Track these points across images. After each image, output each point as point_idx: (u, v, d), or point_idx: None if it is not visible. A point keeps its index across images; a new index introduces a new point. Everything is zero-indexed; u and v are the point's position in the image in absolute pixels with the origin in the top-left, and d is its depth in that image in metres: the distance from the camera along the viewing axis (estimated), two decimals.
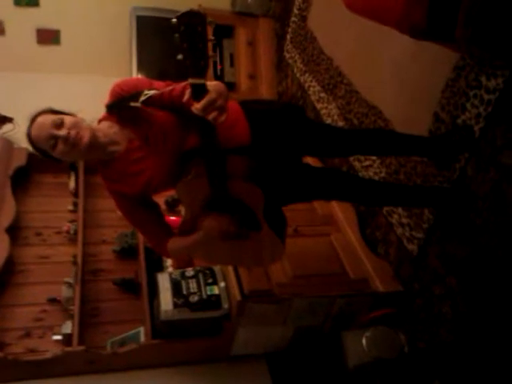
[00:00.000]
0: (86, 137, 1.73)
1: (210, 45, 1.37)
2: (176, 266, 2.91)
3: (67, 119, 1.74)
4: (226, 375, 2.73)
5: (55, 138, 1.71)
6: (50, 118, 1.75)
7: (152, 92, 1.72)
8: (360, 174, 3.03)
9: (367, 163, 2.98)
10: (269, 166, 1.99)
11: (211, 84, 1.47)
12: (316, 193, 2.24)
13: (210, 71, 3.96)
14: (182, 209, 3.20)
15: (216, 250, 2.00)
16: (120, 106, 1.80)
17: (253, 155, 1.91)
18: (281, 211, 2.11)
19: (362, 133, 2.57)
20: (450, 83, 2.37)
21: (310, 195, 2.29)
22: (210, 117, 1.47)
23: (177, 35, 1.31)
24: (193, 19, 1.30)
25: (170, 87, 1.76)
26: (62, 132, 1.71)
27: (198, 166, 1.78)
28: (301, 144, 2.11)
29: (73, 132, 1.71)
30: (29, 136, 1.78)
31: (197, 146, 1.72)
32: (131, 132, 1.84)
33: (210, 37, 1.37)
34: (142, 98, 1.72)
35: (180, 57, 1.34)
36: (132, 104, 1.74)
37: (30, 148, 1.83)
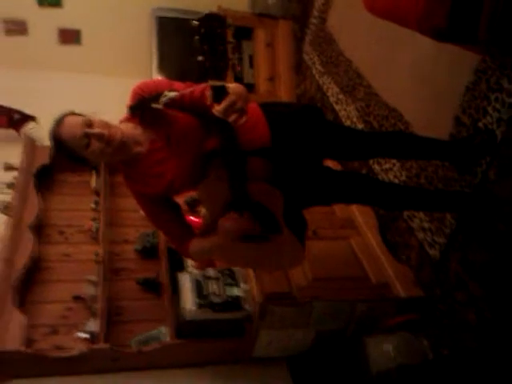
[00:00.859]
0: (118, 134, 1.78)
1: (229, 47, 1.39)
2: (197, 267, 2.94)
3: (96, 119, 1.78)
4: (247, 377, 2.76)
5: (89, 136, 1.74)
6: (79, 118, 1.77)
7: (173, 93, 1.73)
8: (380, 177, 3.04)
9: (387, 166, 2.99)
10: (289, 168, 2.00)
11: (231, 86, 1.49)
12: (336, 196, 2.25)
13: (230, 73, 4.00)
14: (201, 209, 3.23)
15: (236, 252, 1.99)
16: (142, 107, 1.83)
17: (273, 157, 1.92)
18: (301, 214, 2.12)
19: (382, 135, 2.58)
20: (470, 86, 2.38)
21: (330, 198, 2.29)
22: (231, 119, 1.48)
23: (197, 37, 1.34)
24: (213, 22, 1.33)
25: (191, 89, 1.77)
26: (96, 130, 1.74)
27: (219, 167, 1.79)
28: (321, 146, 2.12)
29: (105, 130, 1.75)
30: (58, 136, 1.78)
31: (217, 148, 1.74)
32: (153, 133, 1.86)
33: (230, 39, 1.40)
34: (163, 100, 1.73)
35: (200, 58, 1.37)
36: (153, 105, 1.76)
37: (55, 149, 1.84)
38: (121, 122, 1.92)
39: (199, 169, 1.87)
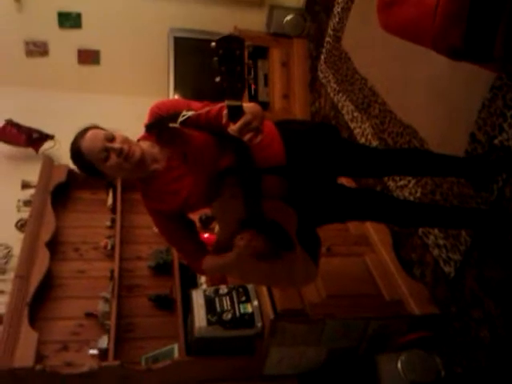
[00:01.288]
0: (137, 151, 1.80)
1: (246, 68, 1.40)
2: (210, 283, 2.93)
3: (118, 134, 1.81)
4: None
5: (108, 150, 1.77)
6: (102, 132, 1.81)
7: (190, 113, 1.76)
8: (395, 194, 3.02)
9: (402, 183, 2.96)
10: (303, 186, 2.01)
11: (247, 106, 1.51)
12: (350, 213, 2.24)
13: (245, 91, 4.00)
14: (215, 226, 3.23)
15: (249, 269, 2.01)
16: (159, 126, 1.86)
17: (288, 175, 1.92)
18: (315, 231, 2.11)
19: (397, 153, 2.56)
20: (486, 103, 2.36)
21: (345, 216, 2.28)
22: (246, 138, 1.49)
23: (215, 58, 1.35)
24: (232, 43, 1.34)
25: (207, 108, 1.79)
26: (116, 145, 1.77)
27: (234, 185, 1.80)
28: (335, 164, 2.12)
29: (126, 146, 1.77)
30: (78, 149, 1.80)
31: (233, 166, 1.75)
32: (170, 151, 1.89)
33: (247, 60, 1.41)
34: (180, 119, 1.76)
35: (218, 79, 1.38)
36: (171, 125, 1.79)
37: (73, 164, 1.87)
38: (138, 140, 1.95)
39: (214, 186, 1.89)
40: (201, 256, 2.02)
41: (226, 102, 1.44)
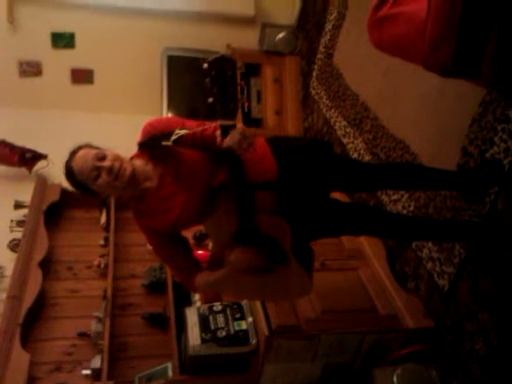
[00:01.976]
0: (128, 169, 1.80)
1: (239, 88, 1.42)
2: (204, 301, 2.90)
3: (109, 153, 1.81)
4: None
5: (99, 169, 1.77)
6: (93, 151, 1.81)
7: (183, 132, 1.77)
8: (388, 208, 3.02)
9: (395, 197, 2.97)
10: (296, 201, 2.01)
11: (240, 126, 1.54)
12: (344, 228, 2.24)
13: (238, 111, 4.01)
14: (209, 243, 3.22)
15: (243, 284, 1.99)
16: (152, 144, 1.86)
17: (280, 191, 1.92)
18: (308, 246, 2.11)
19: (389, 167, 2.56)
20: (477, 117, 2.38)
21: (338, 230, 2.29)
22: (238, 147, 1.54)
23: (208, 79, 1.36)
24: (224, 65, 1.36)
25: (202, 127, 1.80)
26: (106, 163, 1.77)
27: (226, 201, 1.81)
28: (328, 179, 2.13)
29: (116, 164, 1.78)
30: (70, 169, 1.82)
31: (225, 182, 1.76)
32: (162, 169, 1.89)
33: (239, 81, 1.43)
34: (173, 138, 1.77)
35: (210, 100, 1.40)
36: (164, 143, 1.80)
37: (66, 183, 1.88)
38: (132, 158, 1.95)
39: (207, 203, 1.90)
40: (194, 273, 2.01)
41: (219, 123, 1.46)
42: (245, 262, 1.87)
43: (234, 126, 1.49)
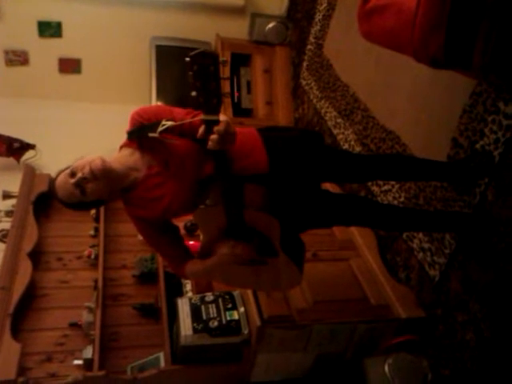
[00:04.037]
0: (97, 162, 1.81)
1: (224, 83, 1.42)
2: (196, 291, 2.91)
3: (75, 166, 1.83)
4: None
5: (77, 184, 1.79)
6: (63, 174, 1.85)
7: (170, 123, 1.77)
8: (379, 199, 3.04)
9: (386, 188, 2.98)
10: (287, 192, 2.02)
11: (223, 120, 1.54)
12: (335, 219, 2.26)
13: (221, 106, 3.98)
14: (200, 233, 3.22)
15: (233, 273, 2.04)
16: (139, 134, 1.86)
17: (271, 182, 1.94)
18: (299, 237, 2.13)
19: (380, 158, 2.58)
20: (467, 109, 2.40)
21: (329, 221, 2.30)
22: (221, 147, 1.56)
23: (190, 73, 1.36)
24: (205, 60, 1.35)
25: (189, 119, 1.81)
26: (80, 174, 1.79)
27: (215, 193, 1.82)
28: (319, 170, 2.13)
29: (86, 168, 1.80)
30: (61, 200, 1.87)
31: (213, 174, 1.77)
32: (151, 158, 1.89)
33: (225, 75, 1.43)
34: (160, 129, 1.77)
35: (194, 94, 1.40)
36: (150, 134, 1.79)
37: (54, 173, 1.92)
38: (121, 146, 1.96)
39: (197, 193, 1.90)
40: (185, 261, 2.04)
41: (203, 117, 1.47)
42: (230, 254, 1.91)
43: (217, 121, 1.50)
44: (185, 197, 1.90)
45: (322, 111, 3.93)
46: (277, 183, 1.96)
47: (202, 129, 1.53)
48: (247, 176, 1.88)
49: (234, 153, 1.75)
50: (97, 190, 1.82)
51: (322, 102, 3.95)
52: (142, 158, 1.90)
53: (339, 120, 3.65)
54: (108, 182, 1.83)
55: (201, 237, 3.11)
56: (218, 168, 1.66)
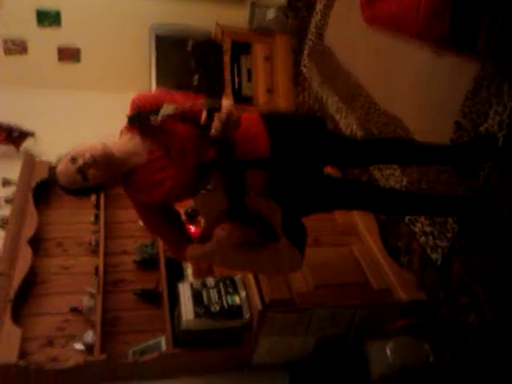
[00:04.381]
0: (98, 148, 1.82)
1: (226, 70, 1.43)
2: (197, 275, 2.90)
3: (75, 152, 1.82)
4: (249, 383, 2.70)
5: (79, 170, 1.79)
6: (64, 161, 1.84)
7: (171, 108, 1.74)
8: (381, 183, 3.02)
9: (388, 172, 2.97)
10: (289, 177, 2.02)
11: (224, 105, 1.55)
12: (337, 203, 2.25)
13: (228, 88, 4.00)
14: (202, 219, 3.21)
15: (233, 257, 2.05)
16: (140, 119, 1.84)
17: (273, 167, 1.94)
18: (300, 222, 2.12)
19: (382, 142, 2.57)
20: (471, 91, 2.38)
21: (331, 205, 2.30)
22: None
23: (193, 61, 1.36)
24: (208, 48, 1.35)
25: (189, 104, 1.78)
26: (80, 160, 1.79)
27: (217, 179, 1.82)
28: (321, 155, 2.13)
29: (87, 154, 1.79)
30: (63, 188, 1.87)
31: (215, 160, 1.77)
32: (152, 143, 1.89)
33: (227, 63, 1.44)
34: (161, 114, 1.74)
35: (196, 80, 1.40)
36: (152, 119, 1.77)
37: (54, 160, 1.93)
38: (121, 132, 1.96)
39: (198, 178, 1.90)
40: (185, 245, 2.04)
41: (205, 104, 1.47)
42: (232, 237, 1.90)
43: (219, 108, 1.49)
44: (186, 181, 1.89)
45: (324, 98, 3.91)
46: (279, 167, 1.97)
47: (204, 115, 1.53)
48: (249, 160, 1.88)
49: (237, 137, 1.75)
50: (98, 176, 1.82)
51: (324, 88, 3.93)
52: (143, 143, 1.89)
53: (341, 106, 3.63)
54: (109, 167, 1.83)
55: (202, 222, 3.12)
56: (220, 153, 1.67)
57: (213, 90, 1.37)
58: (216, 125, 1.51)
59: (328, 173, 2.30)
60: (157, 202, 1.93)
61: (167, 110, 1.74)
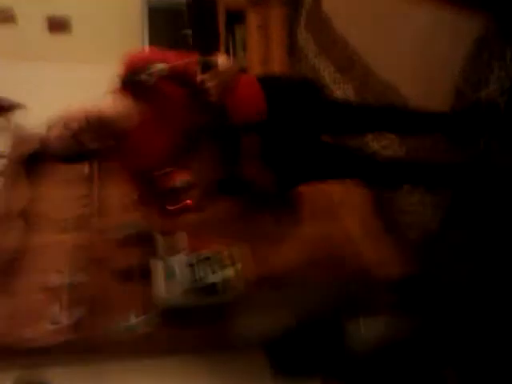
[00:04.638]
0: (91, 111, 1.77)
1: (219, 25, 1.39)
2: (190, 250, 2.84)
3: (67, 117, 1.77)
4: (226, 362, 2.61)
5: (73, 135, 1.74)
6: (56, 127, 1.78)
7: (162, 66, 1.72)
8: (378, 154, 2.96)
9: (385, 143, 2.92)
10: (284, 142, 1.98)
11: (220, 60, 1.54)
12: (332, 171, 2.20)
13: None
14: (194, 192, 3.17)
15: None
16: (131, 80, 1.81)
17: (268, 132, 1.89)
18: (295, 190, 2.12)
19: (378, 108, 2.53)
20: (472, 56, 2.30)
21: (326, 174, 2.24)
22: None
23: (188, 15, 1.32)
24: (202, 8, 1.32)
25: (182, 62, 1.75)
26: (74, 125, 1.73)
27: (211, 142, 1.79)
28: (318, 120, 2.09)
29: (80, 118, 1.74)
30: (56, 155, 1.82)
31: (210, 123, 1.73)
32: (143, 105, 1.84)
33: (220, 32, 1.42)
34: (152, 71, 1.72)
35: (189, 32, 1.36)
36: (143, 78, 1.74)
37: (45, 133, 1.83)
38: (113, 93, 1.90)
39: (191, 142, 1.85)
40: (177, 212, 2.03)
41: (199, 58, 1.42)
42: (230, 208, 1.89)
43: (214, 63, 1.44)
44: (178, 145, 1.85)
45: (320, 67, 3.86)
46: (275, 132, 1.92)
47: (199, 73, 1.48)
48: (245, 125, 1.85)
49: (232, 100, 1.73)
50: (92, 140, 1.77)
51: (320, 57, 3.88)
52: (134, 105, 1.84)
53: (338, 75, 3.58)
54: (102, 130, 1.78)
55: (193, 191, 3.08)
56: (215, 116, 1.66)
57: (208, 44, 1.35)
58: (211, 81, 1.46)
59: (325, 140, 2.26)
60: (148, 167, 1.89)
61: (160, 68, 1.70)
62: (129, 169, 1.94)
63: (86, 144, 1.76)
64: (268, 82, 2.02)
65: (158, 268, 2.62)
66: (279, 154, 1.92)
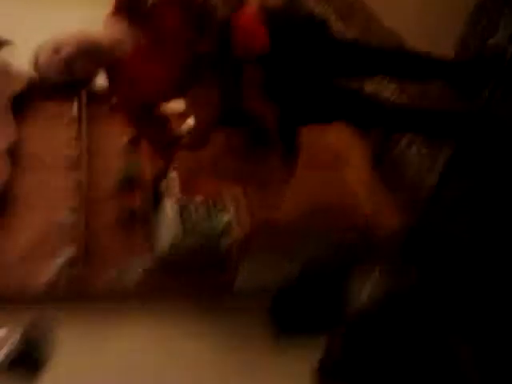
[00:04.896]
0: (82, 36, 1.71)
1: None
2: (184, 194, 2.79)
3: (57, 41, 1.70)
4: (227, 311, 2.61)
5: (65, 61, 1.66)
6: (46, 52, 1.70)
7: None
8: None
9: (388, 87, 2.82)
10: (287, 77, 1.89)
11: None
12: (334, 113, 2.13)
13: None
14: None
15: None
16: (127, 1, 1.73)
17: (271, 65, 1.81)
18: (295, 131, 2.05)
19: (384, 51, 2.44)
20: (479, 2, 2.22)
21: (328, 116, 2.16)
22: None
23: None
24: None
25: None
26: (65, 50, 1.66)
27: (210, 74, 1.73)
28: (323, 59, 2.01)
29: (72, 43, 1.68)
30: (47, 83, 1.76)
31: (211, 52, 1.65)
32: (140, 30, 1.74)
33: None
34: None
35: None
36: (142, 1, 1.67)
37: (33, 72, 1.78)
38: (107, 17, 1.81)
39: (190, 72, 1.78)
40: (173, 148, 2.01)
41: None
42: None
43: None
44: (176, 75, 1.78)
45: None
46: (278, 65, 1.84)
47: None
48: (247, 57, 1.77)
49: (235, 30, 1.67)
50: (84, 66, 1.71)
51: (321, 5, 3.74)
52: (130, 30, 1.75)
53: (339, 24, 3.47)
54: (95, 56, 1.71)
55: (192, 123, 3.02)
56: (218, 46, 1.59)
57: None
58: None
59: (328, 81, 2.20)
60: (145, 98, 1.82)
61: None
62: (125, 102, 1.87)
63: (77, 72, 1.69)
64: (272, 14, 1.93)
65: (169, 212, 2.58)
66: (284, 89, 1.85)
